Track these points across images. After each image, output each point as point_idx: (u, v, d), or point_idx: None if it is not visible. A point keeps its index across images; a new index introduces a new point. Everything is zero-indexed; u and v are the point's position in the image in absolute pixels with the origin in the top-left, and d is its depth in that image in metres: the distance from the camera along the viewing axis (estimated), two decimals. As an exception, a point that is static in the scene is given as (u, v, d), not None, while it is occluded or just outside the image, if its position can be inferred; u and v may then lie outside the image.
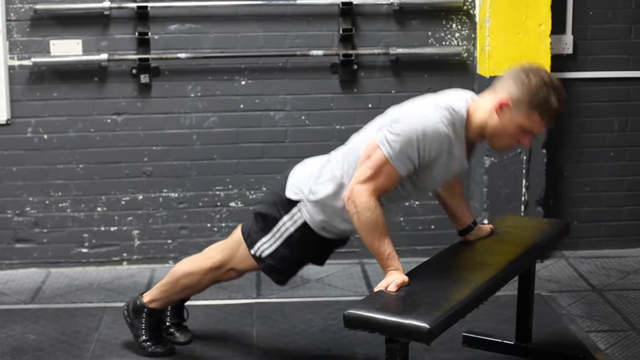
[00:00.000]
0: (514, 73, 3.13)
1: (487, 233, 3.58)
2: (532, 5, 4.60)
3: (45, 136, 4.74)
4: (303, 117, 4.83)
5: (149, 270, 4.80)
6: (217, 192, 4.86)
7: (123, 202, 4.82)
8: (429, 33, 4.81)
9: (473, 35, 4.80)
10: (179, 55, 4.68)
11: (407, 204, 4.91)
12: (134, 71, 4.71)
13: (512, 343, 3.77)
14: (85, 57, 4.66)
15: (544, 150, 4.76)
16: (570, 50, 4.88)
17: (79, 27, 4.67)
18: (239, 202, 4.85)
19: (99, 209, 4.81)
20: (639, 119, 5.00)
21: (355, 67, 4.77)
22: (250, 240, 3.45)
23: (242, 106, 4.81)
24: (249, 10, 4.74)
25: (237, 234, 3.53)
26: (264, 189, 4.81)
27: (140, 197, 4.82)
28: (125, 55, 4.68)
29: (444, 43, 4.81)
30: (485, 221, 4.66)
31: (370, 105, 4.79)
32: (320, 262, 3.59)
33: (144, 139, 4.79)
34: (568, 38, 4.86)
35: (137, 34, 4.66)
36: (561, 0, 4.78)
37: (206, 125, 4.80)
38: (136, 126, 4.77)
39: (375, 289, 3.06)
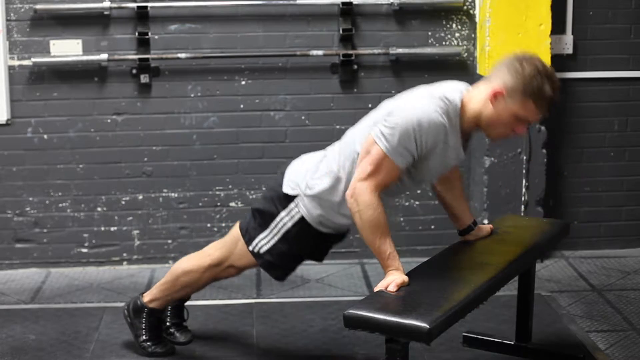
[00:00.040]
0: (508, 62, 3.13)
1: (487, 233, 3.58)
2: (532, 5, 4.60)
3: (45, 136, 4.74)
4: (303, 117, 4.83)
5: (149, 270, 4.80)
6: (217, 192, 4.86)
7: (123, 202, 4.82)
8: (429, 33, 4.81)
9: (473, 35, 4.80)
10: (179, 55, 4.68)
11: (407, 204, 4.91)
12: (134, 71, 4.71)
13: (512, 343, 3.77)
14: (85, 57, 4.66)
15: (544, 150, 4.76)
16: (570, 50, 4.88)
17: (79, 27, 4.67)
18: (239, 202, 4.85)
19: (99, 209, 4.81)
20: (639, 119, 5.00)
21: (355, 67, 4.77)
22: (249, 236, 3.46)
23: (242, 106, 4.81)
24: (249, 10, 4.74)
25: (236, 230, 3.53)
26: (264, 189, 4.81)
27: (140, 197, 4.82)
28: (125, 55, 4.68)
29: (444, 43, 4.81)
30: (485, 221, 4.66)
31: (370, 105, 4.78)
32: (318, 258, 3.59)
33: (144, 139, 4.79)
34: (568, 38, 4.86)
35: (137, 34, 4.66)
36: (561, 0, 4.78)
37: (206, 125, 4.80)
38: (136, 126, 4.77)
39: (375, 289, 3.06)
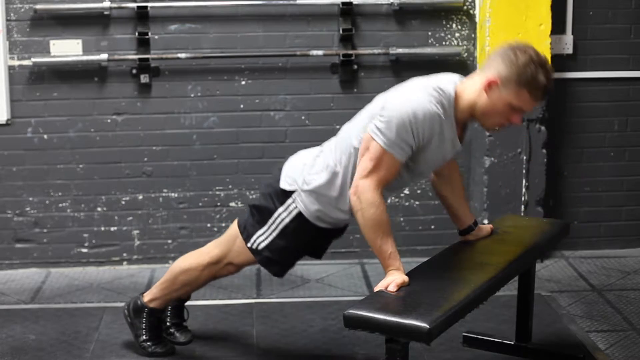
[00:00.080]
0: (502, 51, 3.13)
1: (487, 233, 3.58)
2: (532, 5, 4.60)
3: (45, 136, 4.74)
4: (303, 117, 4.83)
5: (149, 270, 4.80)
6: (217, 192, 4.86)
7: (123, 202, 4.82)
8: (429, 33, 4.81)
9: (473, 35, 4.80)
10: (179, 55, 4.68)
11: (407, 204, 4.91)
12: (134, 71, 4.71)
13: (512, 343, 3.77)
14: (85, 57, 4.66)
15: (544, 150, 4.76)
16: (570, 50, 4.88)
17: (79, 27, 4.67)
18: (239, 202, 4.85)
19: (99, 209, 4.81)
20: (639, 119, 5.00)
21: (355, 67, 4.77)
22: (247, 233, 3.46)
23: (242, 106, 4.81)
24: (249, 10, 4.74)
25: (234, 228, 3.54)
26: (261, 185, 4.81)
27: (140, 197, 4.82)
28: (125, 55, 4.68)
29: (444, 43, 4.81)
30: (485, 221, 4.66)
31: (370, 105, 4.79)
32: (317, 254, 3.60)
33: (144, 139, 4.79)
34: (568, 38, 4.86)
35: (137, 34, 4.66)
36: (561, 0, 4.78)
37: (206, 125, 4.80)
38: (136, 126, 4.77)
39: (375, 289, 3.06)
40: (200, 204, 4.86)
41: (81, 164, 4.77)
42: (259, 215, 3.44)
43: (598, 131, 4.99)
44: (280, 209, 3.39)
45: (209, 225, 4.86)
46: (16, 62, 4.65)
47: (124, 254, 4.86)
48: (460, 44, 4.81)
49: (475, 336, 3.82)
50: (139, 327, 3.74)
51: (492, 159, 4.74)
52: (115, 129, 4.77)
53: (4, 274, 4.75)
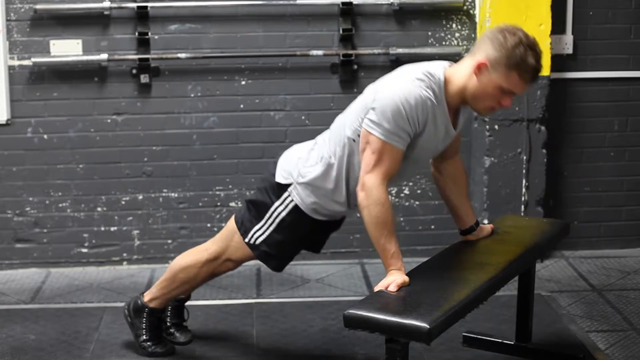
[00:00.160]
0: (491, 34, 3.12)
1: (488, 233, 3.58)
2: (532, 5, 4.60)
3: (45, 136, 4.74)
4: (303, 117, 4.83)
5: (149, 270, 4.80)
6: (217, 192, 4.86)
7: (123, 202, 4.82)
8: (429, 33, 4.81)
9: (473, 35, 4.80)
10: (179, 55, 4.68)
11: (407, 204, 4.91)
12: (134, 71, 4.71)
13: (512, 343, 3.77)
14: (85, 57, 4.66)
15: (544, 150, 4.76)
16: (570, 50, 4.88)
17: (79, 27, 4.67)
18: (239, 202, 4.85)
19: (99, 209, 4.81)
20: (639, 119, 5.00)
21: (355, 67, 4.77)
22: (244, 228, 3.47)
23: (242, 106, 4.81)
24: (249, 10, 4.74)
25: (231, 224, 3.54)
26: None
27: (140, 197, 4.82)
28: (125, 55, 4.68)
29: (444, 43, 4.81)
30: (485, 221, 4.66)
31: (370, 105, 4.79)
32: (315, 248, 3.61)
33: (144, 139, 4.79)
34: (568, 38, 4.87)
35: (137, 34, 4.66)
36: (561, 0, 4.78)
37: (206, 125, 4.80)
38: (136, 126, 4.77)
39: (376, 289, 3.06)
40: (200, 204, 4.86)
41: (81, 164, 4.77)
42: (256, 210, 3.44)
43: (598, 131, 4.99)
44: (277, 203, 3.39)
45: (209, 225, 4.86)
46: (16, 62, 4.65)
47: (124, 254, 4.86)
48: (460, 44, 4.81)
49: (475, 336, 3.82)
50: (139, 327, 3.74)
51: (492, 159, 4.74)
52: (115, 129, 4.77)
53: (4, 274, 4.75)
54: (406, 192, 4.90)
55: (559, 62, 4.81)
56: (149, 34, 4.67)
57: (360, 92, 4.78)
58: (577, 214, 5.02)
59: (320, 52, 4.73)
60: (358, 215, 4.86)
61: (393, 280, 3.03)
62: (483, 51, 3.11)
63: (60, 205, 4.79)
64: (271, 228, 3.42)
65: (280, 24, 4.75)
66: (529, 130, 4.73)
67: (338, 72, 4.80)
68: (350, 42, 4.76)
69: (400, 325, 2.80)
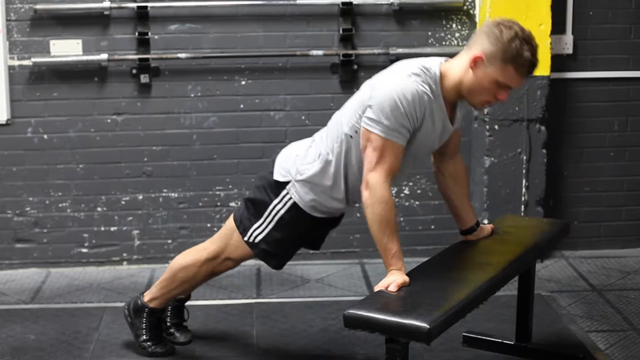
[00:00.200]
0: (486, 28, 3.13)
1: (488, 233, 3.58)
2: (532, 5, 4.60)
3: (45, 136, 4.74)
4: (303, 117, 4.83)
5: (149, 270, 4.80)
6: (217, 192, 4.86)
7: (123, 202, 4.82)
8: (429, 33, 4.81)
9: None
10: (179, 55, 4.68)
11: (407, 204, 4.91)
12: (134, 71, 4.71)
13: (512, 343, 3.77)
14: (85, 57, 4.66)
15: (544, 150, 4.76)
16: (570, 50, 4.88)
17: (79, 27, 4.67)
18: (239, 202, 4.85)
19: (99, 209, 4.81)
20: (639, 119, 5.00)
21: (355, 67, 4.77)
22: (243, 227, 3.47)
23: (242, 106, 4.81)
24: (249, 10, 4.74)
25: (230, 223, 3.54)
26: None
27: (140, 197, 4.82)
28: (125, 55, 4.68)
29: (444, 43, 4.81)
30: (485, 221, 4.66)
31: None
32: (315, 245, 3.61)
33: (144, 139, 4.79)
34: (568, 38, 4.87)
35: (137, 34, 4.66)
36: (561, 0, 4.78)
37: (206, 125, 4.80)
38: (136, 126, 4.77)
39: (376, 289, 3.06)
40: (200, 204, 4.86)
41: (81, 164, 4.77)
42: (254, 208, 3.45)
43: (598, 131, 4.99)
44: (275, 201, 3.39)
45: (209, 225, 4.86)
46: (16, 62, 4.65)
47: (124, 254, 4.86)
48: (460, 44, 4.81)
49: (475, 336, 3.82)
50: (139, 327, 3.74)
51: (492, 159, 4.74)
52: (115, 129, 4.77)
53: (4, 274, 4.75)
54: (406, 192, 4.91)
55: (559, 62, 4.81)
56: (149, 34, 4.67)
57: (360, 92, 4.81)
58: (577, 214, 5.02)
59: (320, 52, 4.73)
60: (358, 215, 4.89)
61: (393, 280, 3.03)
62: (479, 45, 3.11)
63: (60, 205, 4.79)
64: (270, 226, 3.42)
65: (280, 24, 4.75)
66: (529, 130, 4.73)
67: (338, 72, 4.80)
68: (350, 42, 4.76)
69: (400, 325, 2.80)
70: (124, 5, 4.64)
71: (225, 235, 3.55)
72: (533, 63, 3.10)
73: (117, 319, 4.04)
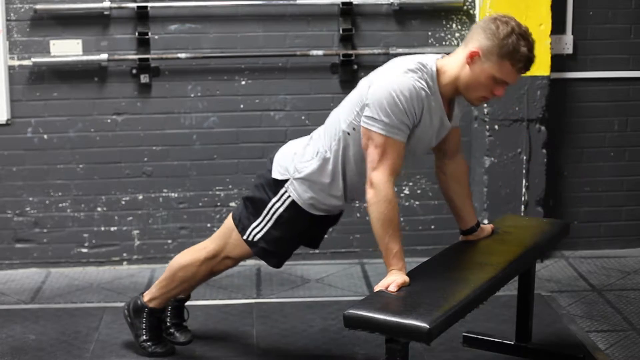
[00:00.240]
0: (483, 24, 3.13)
1: (488, 233, 3.58)
2: (532, 5, 4.60)
3: (45, 136, 4.74)
4: (303, 117, 4.83)
5: (149, 270, 4.80)
6: (217, 192, 4.86)
7: (123, 202, 4.82)
8: (429, 33, 4.81)
9: (473, 35, 4.80)
10: (179, 55, 4.68)
11: (407, 204, 4.91)
12: (134, 71, 4.71)
13: (512, 343, 3.77)
14: (85, 57, 4.66)
15: (544, 150, 4.76)
16: (570, 50, 4.88)
17: (79, 27, 4.67)
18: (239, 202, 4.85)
19: (99, 209, 4.81)
20: (639, 119, 5.00)
21: (355, 67, 4.77)
22: (242, 226, 3.47)
23: (242, 106, 4.81)
24: (249, 10, 4.74)
25: (229, 222, 3.54)
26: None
27: (140, 197, 4.82)
28: (125, 55, 4.68)
29: (444, 43, 4.81)
30: (486, 221, 4.66)
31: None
32: (314, 244, 3.61)
33: (144, 139, 4.79)
34: (568, 38, 4.87)
35: (137, 34, 4.66)
36: (561, 0, 4.78)
37: (206, 125, 4.80)
38: (136, 126, 4.77)
39: (376, 289, 3.06)
40: (200, 204, 4.86)
41: (81, 164, 4.77)
42: (253, 206, 3.45)
43: (598, 131, 4.99)
44: (274, 199, 3.40)
45: (209, 225, 4.86)
46: (16, 62, 4.65)
47: (124, 254, 4.86)
48: (460, 44, 4.80)
49: (475, 336, 3.82)
50: (139, 327, 3.74)
51: (492, 159, 4.74)
52: (115, 129, 4.77)
53: (4, 274, 4.75)
54: (406, 192, 4.90)
55: (559, 62, 4.81)
56: (149, 34, 4.67)
57: (360, 92, 4.81)
58: (577, 214, 5.02)
59: (320, 52, 4.73)
60: (358, 215, 4.89)
61: (393, 280, 3.03)
62: (476, 40, 3.11)
63: (60, 205, 4.79)
64: (269, 224, 3.42)
65: (280, 24, 4.75)
66: (529, 130, 4.73)
67: (338, 72, 4.80)
68: (350, 42, 4.75)
69: (400, 325, 2.80)
70: (124, 5, 4.64)
71: (224, 234, 3.56)
72: (530, 58, 3.10)
73: (117, 319, 4.04)
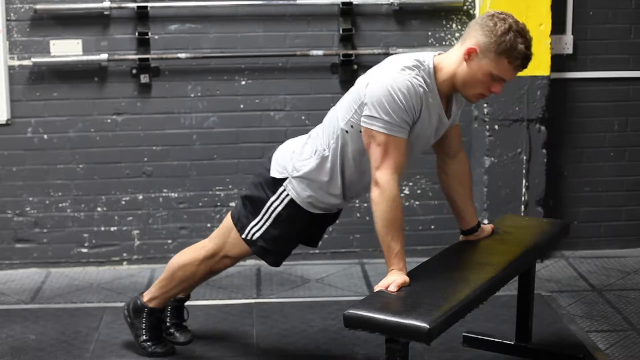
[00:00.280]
0: (481, 20, 3.12)
1: (488, 233, 3.58)
2: (532, 5, 4.60)
3: (45, 136, 4.74)
4: (303, 117, 4.83)
5: (149, 270, 4.80)
6: (217, 192, 4.86)
7: (123, 202, 4.82)
8: (429, 33, 4.81)
9: (473, 35, 4.80)
10: (179, 55, 4.68)
11: (407, 204, 4.91)
12: (134, 71, 4.71)
13: (512, 343, 3.77)
14: (85, 57, 4.66)
15: (544, 150, 4.76)
16: (570, 50, 4.88)
17: (79, 27, 4.67)
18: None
19: (99, 209, 4.81)
20: (639, 119, 5.00)
21: (355, 67, 4.77)
22: (241, 224, 3.47)
23: (242, 106, 4.81)
24: (249, 10, 4.74)
25: (227, 221, 3.54)
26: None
27: (140, 197, 4.82)
28: (125, 55, 4.68)
29: (444, 43, 4.81)
30: (486, 221, 4.66)
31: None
32: (313, 242, 3.61)
33: (144, 139, 4.79)
34: (568, 38, 4.87)
35: (137, 34, 4.66)
36: (561, 0, 4.78)
37: (206, 125, 4.80)
38: (136, 126, 4.77)
39: (376, 289, 3.06)
40: (200, 204, 4.86)
41: (81, 164, 4.77)
42: (252, 205, 3.45)
43: (598, 131, 4.99)
44: (272, 198, 3.40)
45: (209, 225, 4.86)
46: (16, 62, 4.65)
47: (124, 254, 4.86)
48: (460, 44, 4.80)
49: (475, 336, 3.82)
50: (139, 327, 3.74)
51: (492, 159, 4.74)
52: (115, 129, 4.77)
53: (4, 274, 4.75)
54: (406, 192, 4.90)
55: (559, 62, 4.81)
56: (149, 34, 4.67)
57: (360, 92, 4.81)
58: (577, 214, 5.02)
59: (320, 52, 4.73)
60: (358, 215, 4.89)
61: (393, 280, 3.03)
62: (473, 37, 3.11)
63: (60, 205, 4.79)
64: (268, 223, 3.42)
65: (280, 24, 4.75)
66: (529, 130, 4.73)
67: (338, 72, 4.80)
68: (350, 42, 4.76)
69: (400, 325, 2.80)
70: (124, 5, 4.64)
71: (223, 234, 3.56)
72: (527, 56, 3.10)
73: (117, 319, 4.04)
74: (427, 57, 3.18)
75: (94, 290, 4.53)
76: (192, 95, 4.77)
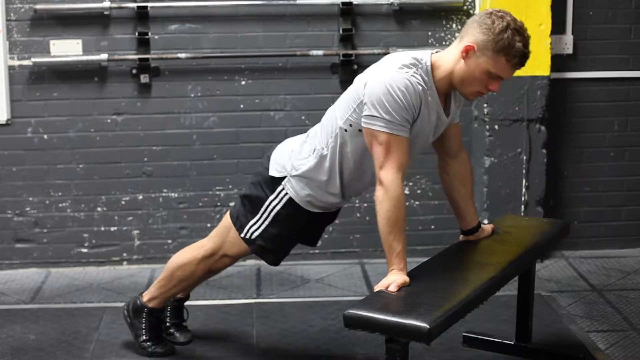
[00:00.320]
0: (479, 18, 3.12)
1: (488, 234, 3.58)
2: (532, 5, 4.60)
3: (45, 136, 4.74)
4: (303, 117, 4.83)
5: (149, 270, 4.80)
6: (217, 192, 4.86)
7: (123, 202, 4.82)
8: (429, 33, 4.81)
9: (473, 35, 4.80)
10: (179, 55, 4.68)
11: (407, 204, 4.90)
12: (134, 71, 4.71)
13: (512, 343, 3.77)
14: (85, 57, 4.66)
15: (544, 150, 4.76)
16: (570, 50, 4.88)
17: (79, 27, 4.67)
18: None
19: (99, 209, 4.81)
20: (639, 119, 5.00)
21: (355, 67, 4.77)
22: (239, 224, 3.47)
23: (242, 106, 4.81)
24: (249, 10, 4.74)
25: (226, 220, 3.54)
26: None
27: (140, 197, 4.82)
28: (125, 55, 4.68)
29: (444, 43, 4.81)
30: (486, 221, 4.66)
31: (370, 105, 4.78)
32: (312, 242, 3.61)
33: (144, 139, 4.79)
34: (568, 38, 4.87)
35: (137, 34, 4.66)
36: (561, 0, 4.78)
37: (206, 125, 4.80)
38: (136, 126, 4.77)
39: (376, 288, 3.06)
40: (200, 204, 4.86)
41: (81, 164, 4.77)
42: (250, 204, 3.45)
43: (598, 131, 4.99)
44: (271, 197, 3.40)
45: (209, 225, 4.85)
46: (16, 62, 4.65)
47: (124, 254, 4.86)
48: (460, 44, 4.80)
49: (475, 336, 3.82)
50: (138, 327, 3.74)
51: (492, 159, 4.74)
52: (115, 129, 4.77)
53: (4, 274, 4.75)
54: (406, 192, 4.90)
55: (559, 62, 4.81)
56: (149, 34, 4.67)
57: (360, 92, 4.80)
58: (577, 214, 5.02)
59: (320, 52, 4.73)
60: (358, 215, 4.88)
61: (393, 280, 3.03)
62: (471, 35, 3.11)
63: (60, 205, 4.79)
64: (266, 222, 3.42)
65: (280, 24, 4.75)
66: (529, 130, 4.73)
67: (338, 72, 4.80)
68: (350, 42, 4.76)
69: (400, 325, 2.80)
70: (124, 5, 4.64)
71: (222, 233, 3.56)
72: (525, 54, 3.10)
73: (117, 319, 4.04)
74: (425, 55, 3.18)
75: (94, 290, 4.53)
76: (192, 95, 4.77)
